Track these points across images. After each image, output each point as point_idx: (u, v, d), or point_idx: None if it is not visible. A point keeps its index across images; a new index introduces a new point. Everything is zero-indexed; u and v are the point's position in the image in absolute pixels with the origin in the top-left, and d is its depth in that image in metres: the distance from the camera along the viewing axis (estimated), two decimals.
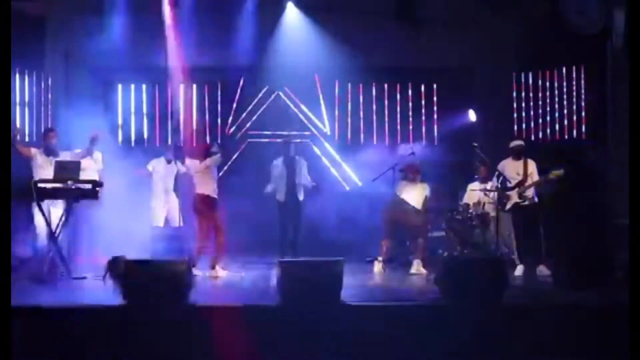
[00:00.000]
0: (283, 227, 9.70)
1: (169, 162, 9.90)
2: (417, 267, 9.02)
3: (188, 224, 9.83)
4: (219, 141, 11.69)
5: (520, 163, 8.73)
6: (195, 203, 8.63)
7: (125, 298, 6.18)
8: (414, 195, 9.17)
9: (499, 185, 8.74)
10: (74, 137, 9.61)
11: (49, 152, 8.69)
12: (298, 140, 10.95)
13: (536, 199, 8.74)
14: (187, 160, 9.03)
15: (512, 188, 8.69)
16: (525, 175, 8.67)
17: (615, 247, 8.20)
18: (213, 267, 8.44)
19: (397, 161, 10.24)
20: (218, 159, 8.73)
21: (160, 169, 9.86)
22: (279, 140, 10.96)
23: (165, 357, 5.88)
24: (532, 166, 8.75)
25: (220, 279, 8.32)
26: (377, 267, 9.06)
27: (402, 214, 9.08)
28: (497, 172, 8.80)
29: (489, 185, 10.04)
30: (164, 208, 9.82)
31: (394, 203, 9.16)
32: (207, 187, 8.57)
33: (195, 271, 8.31)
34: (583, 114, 10.73)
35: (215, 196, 8.62)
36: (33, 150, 8.71)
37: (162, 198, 9.80)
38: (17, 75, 10.41)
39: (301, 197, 9.70)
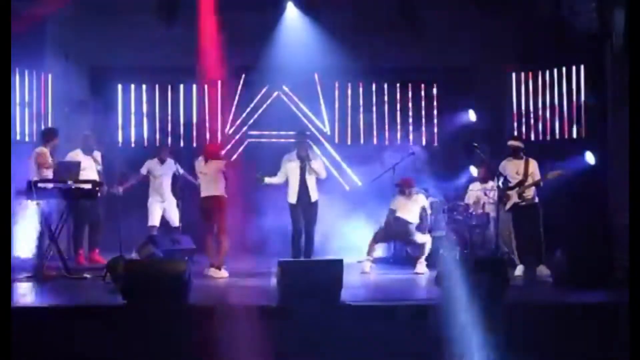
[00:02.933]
0: (296, 231, 8.86)
1: (162, 162, 9.87)
2: (419, 267, 9.02)
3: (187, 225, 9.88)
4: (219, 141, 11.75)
5: (521, 162, 8.73)
6: (209, 205, 8.55)
7: (125, 298, 6.19)
8: (410, 209, 9.20)
9: (500, 185, 8.74)
10: (73, 137, 9.63)
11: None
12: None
13: (536, 199, 8.74)
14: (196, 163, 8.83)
15: (512, 188, 8.69)
16: (526, 175, 8.66)
17: (615, 247, 8.20)
18: (213, 267, 8.42)
19: (397, 161, 10.27)
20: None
21: (155, 170, 9.84)
22: (291, 140, 10.74)
23: (165, 357, 5.88)
24: (532, 166, 8.74)
25: (221, 279, 8.29)
26: (367, 265, 9.03)
27: (400, 230, 9.13)
28: (498, 172, 8.79)
29: (489, 186, 10.07)
30: (160, 208, 9.80)
31: (390, 221, 9.20)
32: (221, 187, 8.57)
33: (223, 272, 8.35)
34: (583, 114, 10.73)
35: (226, 196, 8.64)
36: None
37: (158, 198, 9.79)
38: (17, 75, 10.41)
39: (314, 198, 8.92)
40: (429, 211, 9.52)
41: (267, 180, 8.92)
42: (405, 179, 9.43)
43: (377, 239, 9.28)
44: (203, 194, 8.63)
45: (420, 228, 9.26)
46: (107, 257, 8.21)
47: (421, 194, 9.47)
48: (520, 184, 8.66)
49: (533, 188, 8.68)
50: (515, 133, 11.19)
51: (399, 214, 9.17)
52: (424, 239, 9.13)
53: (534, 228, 8.57)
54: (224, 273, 8.40)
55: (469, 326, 6.03)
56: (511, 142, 8.94)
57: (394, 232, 9.23)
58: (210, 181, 8.57)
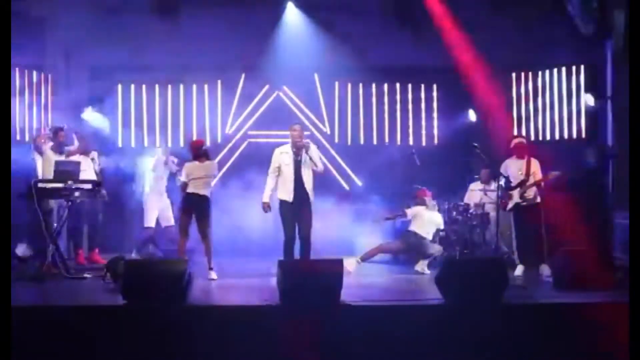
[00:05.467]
0: (289, 237, 8.10)
1: (165, 162, 9.87)
2: (420, 266, 9.02)
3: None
4: (218, 141, 11.74)
5: (523, 162, 8.74)
6: (194, 203, 8.39)
7: (125, 298, 6.19)
8: (426, 222, 9.25)
9: (502, 185, 8.73)
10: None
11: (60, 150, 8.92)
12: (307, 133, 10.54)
13: (538, 199, 8.74)
14: (190, 164, 8.57)
15: (514, 188, 8.70)
16: (527, 174, 8.67)
17: (616, 247, 8.21)
18: (211, 268, 8.37)
19: (397, 161, 10.28)
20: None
21: (157, 169, 9.83)
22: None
23: (165, 357, 5.88)
24: (535, 165, 8.76)
25: (215, 280, 8.25)
26: (352, 264, 8.81)
27: (415, 245, 9.17)
28: (499, 172, 8.79)
29: (490, 186, 10.07)
30: (156, 208, 9.78)
31: (406, 237, 9.24)
32: (208, 189, 8.50)
33: (213, 274, 8.32)
34: (583, 114, 10.73)
35: (210, 199, 8.52)
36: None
37: (155, 198, 9.76)
38: (17, 75, 10.41)
39: (311, 196, 8.11)
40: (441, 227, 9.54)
41: (267, 195, 8.16)
42: (421, 190, 9.47)
43: (383, 250, 9.29)
44: (190, 190, 8.36)
45: (433, 240, 9.34)
46: (107, 257, 8.21)
47: (438, 212, 9.49)
48: (522, 183, 8.66)
49: (534, 188, 8.68)
50: (515, 132, 11.20)
51: (415, 228, 9.18)
52: (436, 249, 9.18)
53: (535, 228, 8.58)
54: (214, 274, 8.33)
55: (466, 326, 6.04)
56: (515, 141, 8.96)
57: (408, 247, 9.25)
58: (205, 181, 8.43)
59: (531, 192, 8.69)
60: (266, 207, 8.17)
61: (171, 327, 5.92)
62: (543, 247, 8.53)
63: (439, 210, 9.62)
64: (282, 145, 8.30)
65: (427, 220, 9.27)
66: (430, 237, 9.23)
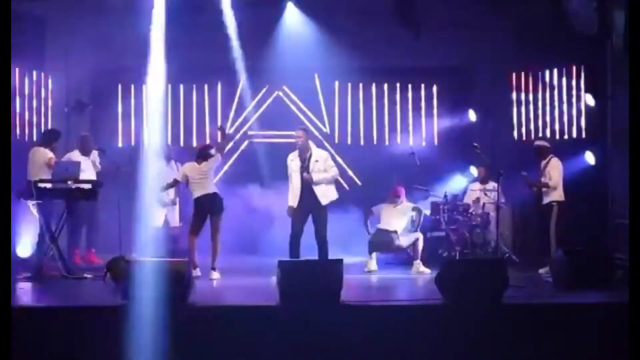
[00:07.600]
0: (294, 234, 8.17)
1: (167, 162, 9.87)
2: (417, 268, 9.01)
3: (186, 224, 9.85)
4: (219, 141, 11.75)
5: (544, 163, 8.90)
6: (205, 203, 8.41)
7: (125, 298, 6.19)
8: (395, 217, 9.19)
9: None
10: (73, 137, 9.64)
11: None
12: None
13: (548, 199, 8.84)
14: (188, 165, 8.67)
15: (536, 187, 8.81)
16: (543, 175, 8.83)
17: (615, 247, 8.21)
18: (213, 268, 8.37)
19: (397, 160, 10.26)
20: (218, 158, 8.71)
21: (159, 169, 9.82)
22: (291, 140, 10.41)
23: (164, 358, 5.88)
24: (549, 166, 8.86)
25: (218, 279, 8.26)
26: (372, 263, 8.97)
27: (384, 242, 9.11)
28: (499, 172, 8.82)
29: (489, 186, 10.07)
30: (163, 208, 9.77)
31: (375, 236, 9.17)
32: (211, 185, 8.52)
33: (194, 272, 8.31)
34: (583, 114, 10.72)
35: (220, 195, 8.59)
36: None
37: (159, 198, 9.75)
38: (17, 75, 10.40)
39: (324, 201, 8.18)
40: (422, 212, 9.45)
41: (292, 198, 8.26)
42: (394, 189, 9.43)
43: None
44: (197, 193, 8.44)
45: (407, 229, 9.25)
46: (106, 257, 8.21)
47: (408, 203, 9.45)
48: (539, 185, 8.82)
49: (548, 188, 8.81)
50: (515, 133, 11.22)
51: (382, 225, 9.16)
52: (411, 239, 9.12)
53: (544, 228, 8.68)
54: (217, 274, 8.33)
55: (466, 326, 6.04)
56: (536, 143, 9.06)
57: (379, 245, 9.20)
58: (204, 181, 8.46)
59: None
60: (290, 211, 8.28)
61: (171, 327, 5.92)
62: (550, 247, 8.58)
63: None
64: (293, 152, 8.40)
65: (394, 213, 9.20)
66: (400, 228, 9.17)
